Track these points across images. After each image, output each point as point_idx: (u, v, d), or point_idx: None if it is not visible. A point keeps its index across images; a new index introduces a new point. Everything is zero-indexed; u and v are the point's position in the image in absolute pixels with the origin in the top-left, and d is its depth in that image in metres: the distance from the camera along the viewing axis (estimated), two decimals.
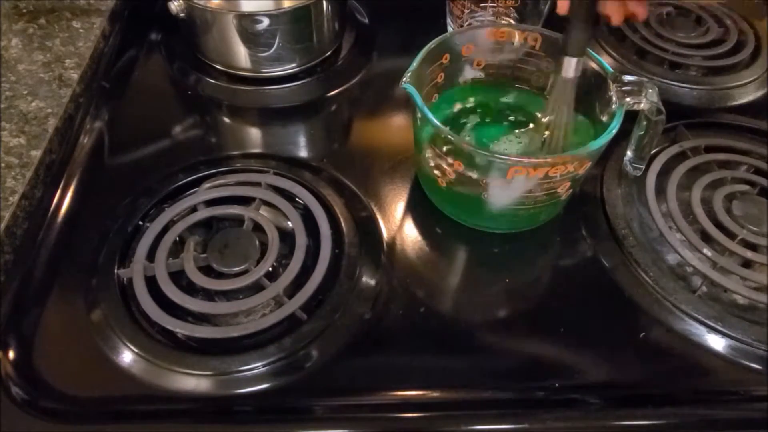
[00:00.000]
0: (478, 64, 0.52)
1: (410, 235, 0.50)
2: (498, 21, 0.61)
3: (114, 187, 0.53)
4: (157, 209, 0.50)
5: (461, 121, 0.53)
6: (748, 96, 0.63)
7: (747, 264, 0.47)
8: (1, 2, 0.66)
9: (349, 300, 0.44)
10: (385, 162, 0.55)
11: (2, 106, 0.56)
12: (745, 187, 0.51)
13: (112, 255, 0.46)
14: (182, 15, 0.60)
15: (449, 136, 0.42)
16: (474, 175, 0.44)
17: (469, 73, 0.53)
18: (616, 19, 0.47)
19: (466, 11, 0.61)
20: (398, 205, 0.52)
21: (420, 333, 0.44)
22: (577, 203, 0.52)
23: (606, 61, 0.47)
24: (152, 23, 0.69)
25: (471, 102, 0.54)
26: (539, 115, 0.52)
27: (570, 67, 0.46)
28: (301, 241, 0.46)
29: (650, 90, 0.44)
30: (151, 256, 0.45)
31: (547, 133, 0.49)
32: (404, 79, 0.44)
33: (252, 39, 0.59)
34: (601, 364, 0.43)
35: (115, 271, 0.45)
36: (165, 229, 0.47)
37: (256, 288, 0.44)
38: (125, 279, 0.45)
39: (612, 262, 0.48)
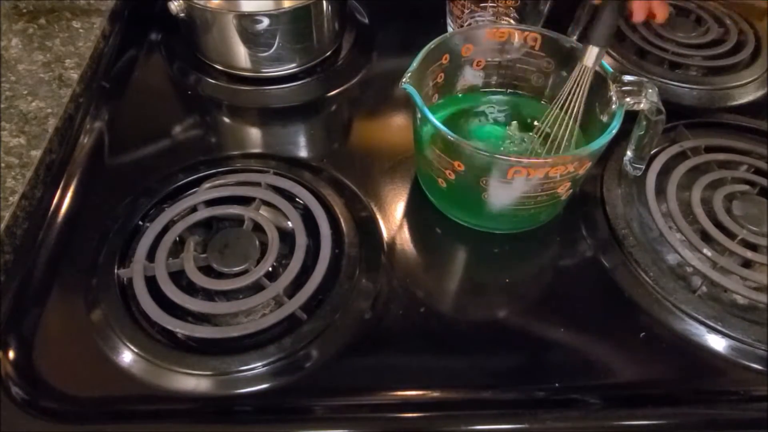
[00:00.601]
0: (478, 65, 0.52)
1: (410, 235, 0.50)
2: (498, 21, 0.61)
3: (114, 187, 0.53)
4: (157, 209, 0.50)
5: (461, 122, 0.53)
6: (748, 96, 0.63)
7: (747, 264, 0.47)
8: (1, 2, 0.66)
9: (349, 300, 0.44)
10: (385, 162, 0.55)
11: (2, 106, 0.56)
12: (745, 187, 0.51)
13: (112, 255, 0.46)
14: (182, 15, 0.60)
15: (449, 137, 0.42)
16: (474, 175, 0.44)
17: (469, 74, 0.53)
18: (639, 16, 0.47)
19: (466, 11, 0.60)
20: (398, 205, 0.52)
21: (420, 333, 0.44)
22: (577, 203, 0.52)
23: (606, 61, 0.47)
24: (152, 23, 0.69)
25: (471, 102, 0.54)
26: (542, 116, 0.52)
27: (592, 55, 0.46)
28: (301, 241, 0.46)
29: (650, 90, 0.44)
30: (151, 256, 0.45)
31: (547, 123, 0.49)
32: (404, 80, 0.44)
33: (252, 39, 0.59)
34: (601, 364, 0.43)
35: (115, 271, 0.45)
36: (165, 229, 0.47)
37: (256, 288, 0.44)
38: (125, 279, 0.45)
39: (612, 262, 0.48)
